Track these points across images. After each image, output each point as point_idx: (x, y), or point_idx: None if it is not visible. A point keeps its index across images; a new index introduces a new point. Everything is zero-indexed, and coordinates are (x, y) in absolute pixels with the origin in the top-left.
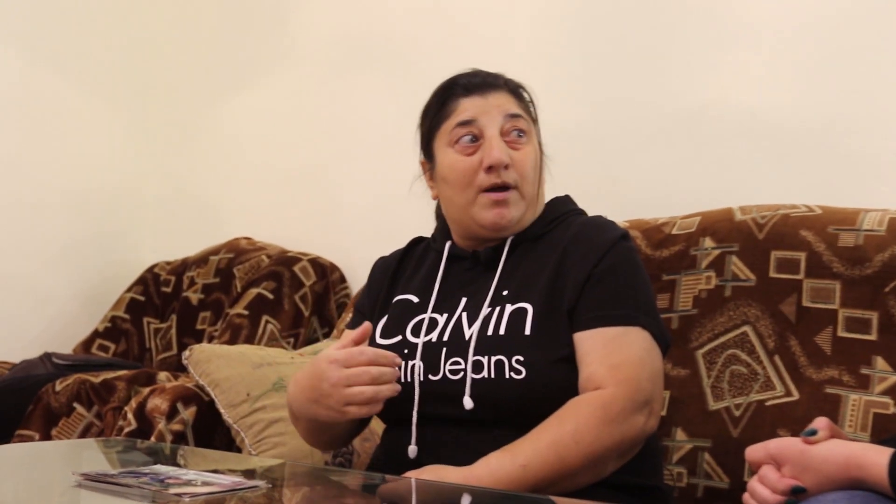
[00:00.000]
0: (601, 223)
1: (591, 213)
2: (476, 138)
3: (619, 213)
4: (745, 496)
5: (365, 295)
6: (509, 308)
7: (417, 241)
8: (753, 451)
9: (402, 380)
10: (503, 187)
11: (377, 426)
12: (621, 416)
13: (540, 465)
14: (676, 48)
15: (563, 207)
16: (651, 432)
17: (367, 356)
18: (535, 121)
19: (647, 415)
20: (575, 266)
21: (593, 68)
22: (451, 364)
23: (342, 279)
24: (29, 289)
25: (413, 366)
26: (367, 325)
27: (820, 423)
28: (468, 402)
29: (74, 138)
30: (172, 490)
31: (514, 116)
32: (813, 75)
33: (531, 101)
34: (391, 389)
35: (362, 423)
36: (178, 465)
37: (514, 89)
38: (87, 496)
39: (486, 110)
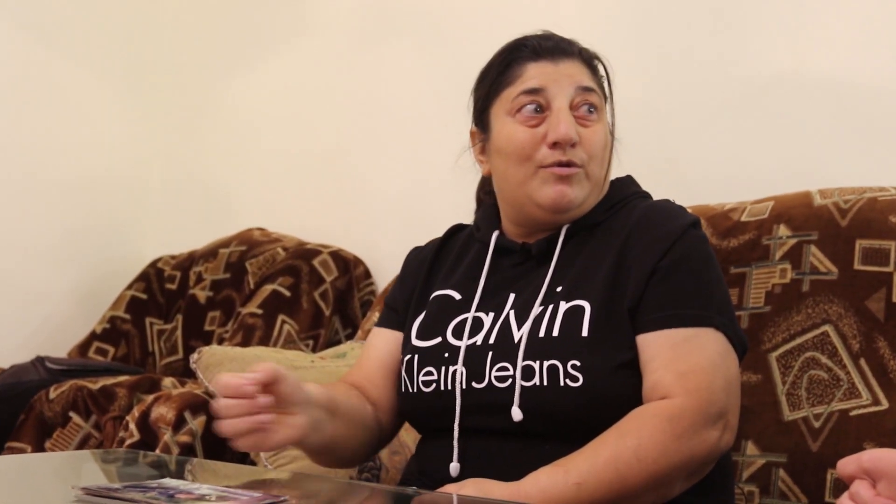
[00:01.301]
0: (668, 209)
1: None
2: (541, 109)
3: (681, 197)
4: None
5: (397, 288)
6: (564, 306)
7: (458, 229)
8: (845, 465)
9: (442, 387)
10: (567, 165)
11: (407, 437)
12: (691, 430)
13: (596, 484)
14: (747, 7)
15: (625, 190)
16: (726, 449)
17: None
18: (608, 98)
19: (721, 429)
20: (638, 258)
21: (650, 31)
22: (497, 370)
23: (367, 274)
24: (19, 285)
25: (454, 371)
26: (268, 369)
27: None
28: (517, 414)
29: (70, 119)
30: None
31: (587, 90)
32: None
33: (606, 76)
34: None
35: (380, 435)
36: (186, 480)
37: (589, 59)
38: None
39: (556, 79)
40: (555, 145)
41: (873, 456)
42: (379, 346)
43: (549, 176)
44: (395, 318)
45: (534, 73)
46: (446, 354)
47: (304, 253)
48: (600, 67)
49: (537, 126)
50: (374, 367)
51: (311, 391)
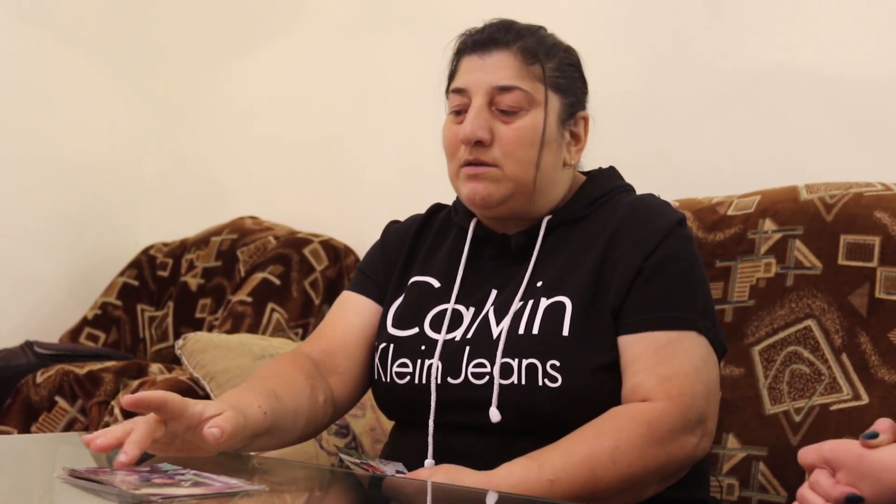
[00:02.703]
0: (654, 205)
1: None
2: (463, 109)
3: (668, 191)
4: None
5: (377, 256)
6: (544, 302)
7: (438, 209)
8: (806, 454)
9: (416, 381)
10: (476, 164)
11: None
12: (669, 436)
13: (570, 482)
14: (739, 1)
15: (608, 184)
16: (703, 455)
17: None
18: (559, 89)
19: (699, 436)
20: (624, 256)
21: (642, 25)
22: (474, 366)
23: (357, 263)
24: (10, 271)
25: (430, 366)
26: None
27: (882, 424)
28: (495, 415)
29: (64, 106)
30: (146, 490)
31: (504, 89)
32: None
33: (558, 66)
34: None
35: (330, 419)
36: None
37: (528, 51)
38: (59, 493)
39: (477, 77)
40: (464, 143)
41: (833, 446)
42: (358, 311)
43: (464, 174)
44: (375, 289)
45: (463, 70)
46: (423, 347)
47: (295, 242)
48: (542, 59)
49: (461, 123)
50: (353, 335)
51: (248, 422)
